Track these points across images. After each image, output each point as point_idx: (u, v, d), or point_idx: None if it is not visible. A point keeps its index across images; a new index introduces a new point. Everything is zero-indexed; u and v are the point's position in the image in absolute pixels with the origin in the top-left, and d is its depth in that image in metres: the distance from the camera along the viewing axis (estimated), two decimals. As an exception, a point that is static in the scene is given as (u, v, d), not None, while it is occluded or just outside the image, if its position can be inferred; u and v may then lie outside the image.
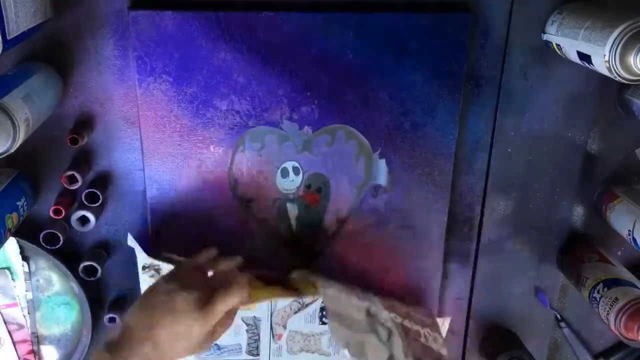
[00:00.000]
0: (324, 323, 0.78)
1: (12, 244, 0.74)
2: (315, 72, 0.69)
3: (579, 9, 0.66)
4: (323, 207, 0.75)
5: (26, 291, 0.77)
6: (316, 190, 0.74)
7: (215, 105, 0.70)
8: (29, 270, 0.76)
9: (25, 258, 0.76)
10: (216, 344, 0.78)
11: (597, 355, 0.86)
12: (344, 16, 0.67)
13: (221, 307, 0.59)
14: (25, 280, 0.77)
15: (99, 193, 0.72)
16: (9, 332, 0.79)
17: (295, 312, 0.78)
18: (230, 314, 0.63)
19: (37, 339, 0.80)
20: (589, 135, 0.77)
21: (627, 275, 0.75)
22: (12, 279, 0.76)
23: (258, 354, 0.79)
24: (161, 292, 0.59)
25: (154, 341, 0.56)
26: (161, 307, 0.58)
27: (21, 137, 0.58)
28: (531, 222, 0.80)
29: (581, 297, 0.78)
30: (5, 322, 0.78)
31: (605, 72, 0.60)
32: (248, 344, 0.79)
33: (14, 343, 0.79)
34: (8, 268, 0.76)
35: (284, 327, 0.78)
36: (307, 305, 0.77)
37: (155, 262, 0.71)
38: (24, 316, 0.78)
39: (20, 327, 0.79)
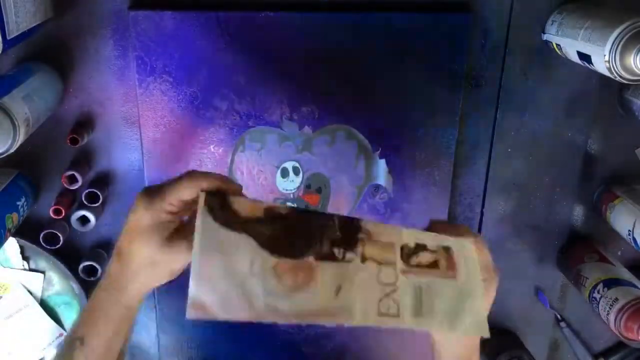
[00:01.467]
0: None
1: (12, 244, 0.74)
2: (315, 72, 0.69)
3: (579, 9, 0.66)
4: (323, 207, 0.75)
5: (26, 291, 0.78)
6: (316, 190, 0.74)
7: (215, 105, 0.70)
8: (29, 269, 0.76)
9: (25, 258, 0.76)
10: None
11: (597, 355, 0.86)
12: (344, 16, 0.67)
13: (170, 193, 0.48)
14: (25, 280, 0.77)
15: (99, 193, 0.72)
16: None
17: None
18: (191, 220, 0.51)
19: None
20: (589, 135, 0.77)
21: (627, 275, 0.75)
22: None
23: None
24: (131, 206, 0.49)
25: (118, 253, 0.50)
26: (127, 224, 0.49)
27: (21, 137, 0.58)
28: (531, 222, 0.80)
29: (581, 297, 0.78)
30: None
31: (605, 72, 0.60)
32: None
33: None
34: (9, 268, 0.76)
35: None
36: None
37: None
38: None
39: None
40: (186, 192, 0.47)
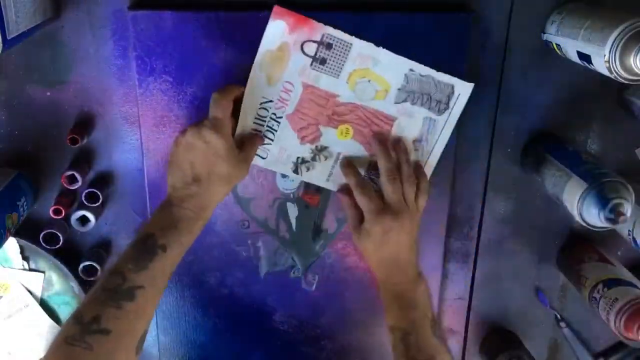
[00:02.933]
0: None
1: (12, 244, 0.74)
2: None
3: (579, 9, 0.66)
4: (323, 207, 0.75)
5: (26, 291, 0.78)
6: (316, 190, 0.74)
7: (215, 105, 0.70)
8: (29, 269, 0.76)
9: (25, 258, 0.76)
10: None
11: (597, 355, 0.86)
12: (344, 16, 0.67)
13: (252, 152, 0.67)
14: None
15: (99, 193, 0.72)
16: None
17: None
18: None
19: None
20: (589, 135, 0.77)
21: (627, 275, 0.75)
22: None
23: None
24: (199, 141, 0.62)
25: (197, 179, 0.62)
26: (203, 154, 0.62)
27: None
28: (531, 222, 0.80)
29: (581, 297, 0.78)
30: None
31: (605, 72, 0.60)
32: None
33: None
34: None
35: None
36: None
37: (292, 158, 0.70)
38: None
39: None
40: (229, 109, 0.64)
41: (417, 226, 0.69)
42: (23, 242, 0.74)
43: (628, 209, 0.64)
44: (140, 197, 0.75)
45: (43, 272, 0.76)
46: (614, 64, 0.58)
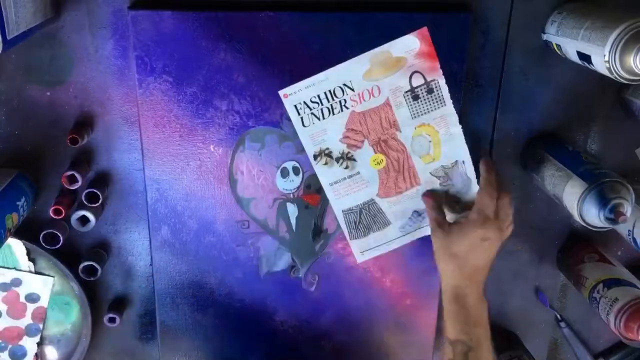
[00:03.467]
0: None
1: (18, 245, 0.74)
2: (315, 72, 0.69)
3: (579, 9, 0.66)
4: (323, 207, 0.75)
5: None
6: (316, 191, 0.74)
7: (215, 105, 0.70)
8: (34, 271, 0.76)
9: (31, 259, 0.76)
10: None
11: (597, 355, 0.86)
12: (344, 16, 0.67)
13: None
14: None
15: (99, 193, 0.72)
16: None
17: None
18: None
19: (40, 341, 0.80)
20: (589, 135, 0.77)
21: (627, 275, 0.75)
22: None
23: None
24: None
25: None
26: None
27: None
28: (531, 222, 0.80)
29: (581, 297, 0.78)
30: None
31: (605, 72, 0.60)
32: None
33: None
34: (14, 269, 0.76)
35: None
36: None
37: (324, 145, 0.70)
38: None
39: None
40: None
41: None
42: (23, 242, 0.74)
43: (628, 209, 0.64)
44: (140, 198, 0.75)
45: (52, 276, 0.77)
46: (614, 64, 0.58)
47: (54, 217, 0.71)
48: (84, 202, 0.72)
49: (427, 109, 0.69)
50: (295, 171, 0.74)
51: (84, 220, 0.73)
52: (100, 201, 0.72)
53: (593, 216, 0.65)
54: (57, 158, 0.73)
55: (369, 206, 0.72)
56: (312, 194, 0.75)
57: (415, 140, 0.70)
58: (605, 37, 0.58)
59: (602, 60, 0.59)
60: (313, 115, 0.68)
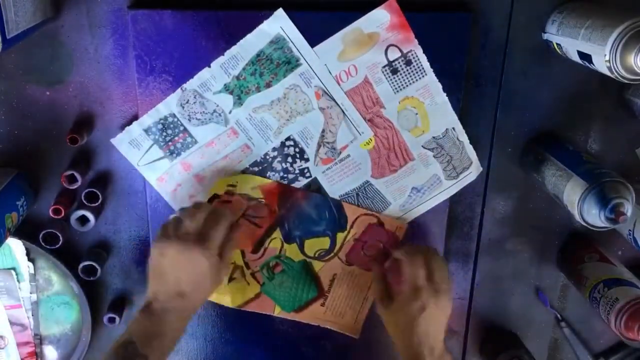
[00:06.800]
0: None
1: (18, 245, 0.74)
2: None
3: (579, 8, 0.66)
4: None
5: (30, 293, 0.77)
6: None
7: (215, 105, 0.70)
8: (34, 271, 0.76)
9: (31, 259, 0.76)
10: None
11: (597, 355, 0.86)
12: (344, 16, 0.67)
13: (230, 253, 0.66)
14: (30, 282, 0.76)
15: (98, 193, 0.72)
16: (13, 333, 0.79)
17: None
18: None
19: (39, 341, 0.80)
20: (589, 135, 0.77)
21: (628, 275, 0.75)
22: (18, 280, 0.76)
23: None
24: (186, 260, 0.62)
25: (180, 294, 0.62)
26: (190, 274, 0.62)
27: None
28: (531, 222, 0.80)
29: (581, 297, 0.78)
30: (10, 323, 0.78)
31: (606, 72, 0.60)
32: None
33: (16, 345, 0.79)
34: (14, 269, 0.76)
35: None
36: None
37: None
38: (28, 318, 0.78)
39: (24, 328, 0.79)
40: (222, 233, 0.64)
41: (451, 302, 0.67)
42: (22, 242, 0.74)
43: (628, 209, 0.64)
44: (140, 197, 0.75)
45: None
46: (614, 64, 0.58)
47: (53, 216, 0.71)
48: (84, 201, 0.72)
49: (409, 81, 0.68)
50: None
51: (83, 220, 0.73)
52: (100, 201, 0.72)
53: (594, 216, 0.65)
54: (57, 158, 0.72)
55: (365, 188, 0.72)
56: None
57: (401, 115, 0.69)
58: (606, 36, 0.58)
59: (603, 59, 0.59)
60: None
